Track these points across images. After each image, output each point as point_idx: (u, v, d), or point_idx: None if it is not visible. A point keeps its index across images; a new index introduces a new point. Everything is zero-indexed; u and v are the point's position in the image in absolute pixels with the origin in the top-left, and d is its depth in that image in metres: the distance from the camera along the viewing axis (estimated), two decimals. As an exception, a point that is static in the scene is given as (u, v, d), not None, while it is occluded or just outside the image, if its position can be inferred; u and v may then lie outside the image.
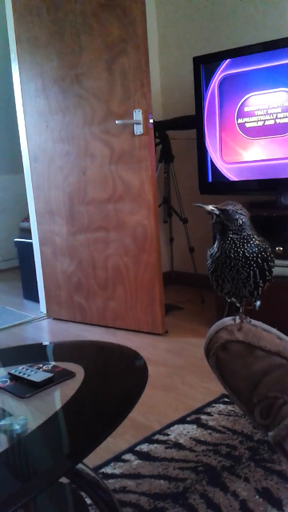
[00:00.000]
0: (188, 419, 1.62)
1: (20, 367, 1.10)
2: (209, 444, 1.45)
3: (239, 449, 1.42)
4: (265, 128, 2.27)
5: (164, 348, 2.30)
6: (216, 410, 1.66)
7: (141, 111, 2.26)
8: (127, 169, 2.38)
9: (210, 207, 0.92)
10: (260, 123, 2.28)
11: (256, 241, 0.92)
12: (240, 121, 2.34)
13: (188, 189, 2.90)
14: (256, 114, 2.29)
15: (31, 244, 3.00)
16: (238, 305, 0.97)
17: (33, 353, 1.35)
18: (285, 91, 2.19)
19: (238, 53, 2.30)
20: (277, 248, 2.17)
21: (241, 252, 0.90)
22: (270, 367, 0.89)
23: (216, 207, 0.92)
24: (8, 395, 1.01)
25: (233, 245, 0.91)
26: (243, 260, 0.90)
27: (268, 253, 0.92)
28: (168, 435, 1.53)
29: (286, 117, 2.20)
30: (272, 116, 2.24)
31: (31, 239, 3.00)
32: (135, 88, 2.27)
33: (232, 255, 0.91)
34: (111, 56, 2.31)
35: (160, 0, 3.09)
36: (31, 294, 3.22)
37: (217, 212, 0.91)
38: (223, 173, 2.44)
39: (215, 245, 0.94)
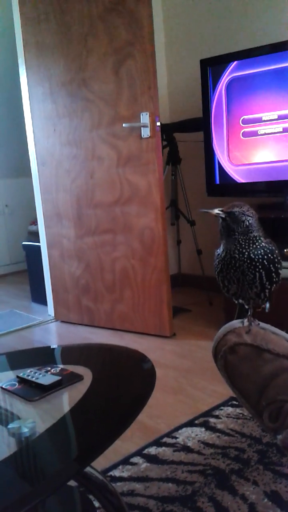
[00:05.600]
0: (196, 422, 1.61)
1: (28, 370, 1.10)
2: (218, 447, 1.45)
3: (248, 452, 1.41)
4: (272, 129, 2.27)
5: (171, 350, 2.30)
6: (225, 413, 1.65)
7: (148, 114, 2.27)
8: (134, 172, 2.38)
9: (216, 211, 0.92)
10: (268, 125, 2.28)
11: (262, 243, 0.91)
12: (247, 123, 2.34)
13: (196, 191, 2.89)
14: (263, 116, 2.28)
15: (39, 247, 3.01)
16: (246, 307, 0.97)
17: (41, 356, 1.35)
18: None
19: (246, 55, 2.30)
20: (285, 250, 2.16)
21: (246, 253, 0.90)
22: (278, 370, 0.89)
23: (222, 211, 0.92)
24: (17, 398, 1.01)
25: (238, 246, 0.90)
26: (248, 261, 0.90)
27: (275, 255, 0.92)
28: (176, 438, 1.52)
29: (294, 118, 2.20)
30: (280, 117, 2.24)
31: (39, 242, 3.01)
32: (142, 91, 2.27)
33: (237, 256, 0.90)
34: (118, 59, 2.32)
35: (167, 3, 3.10)
36: (39, 297, 3.23)
37: (223, 216, 0.91)
38: (230, 175, 2.44)
39: (221, 245, 0.94)
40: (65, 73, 2.52)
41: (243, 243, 0.90)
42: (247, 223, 0.90)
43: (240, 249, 0.90)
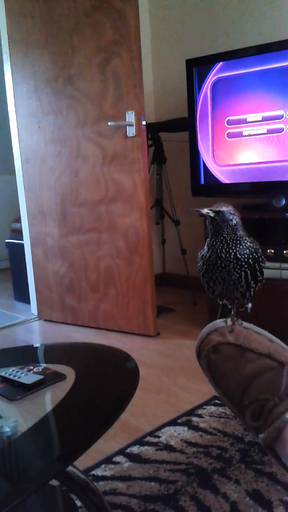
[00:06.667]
0: (179, 421, 1.62)
1: (11, 369, 1.09)
2: (200, 446, 1.45)
3: (230, 451, 1.42)
4: (257, 131, 2.28)
5: (155, 350, 2.30)
6: (207, 412, 1.66)
7: (133, 112, 2.27)
8: (119, 170, 2.38)
9: (206, 210, 0.92)
10: (253, 126, 2.29)
11: (248, 243, 0.92)
12: (232, 124, 2.35)
13: (181, 191, 2.90)
14: (248, 117, 2.30)
15: (22, 245, 2.99)
16: (229, 307, 0.98)
17: (24, 355, 1.34)
18: (278, 94, 2.20)
19: (231, 56, 2.31)
20: (268, 251, 2.18)
21: (233, 252, 0.90)
22: (261, 369, 0.89)
23: (211, 210, 0.92)
24: (-2, 397, 1.00)
25: (225, 245, 0.91)
26: (235, 261, 0.90)
27: (259, 254, 0.93)
28: (159, 437, 1.53)
29: (279, 120, 2.21)
30: (265, 119, 2.25)
31: (22, 240, 2.99)
32: (127, 89, 2.27)
33: (224, 256, 0.91)
34: (104, 58, 2.31)
35: (153, 2, 3.10)
36: (22, 295, 3.20)
37: (212, 215, 0.91)
38: (215, 175, 2.45)
39: (206, 246, 0.94)
40: (50, 70, 2.50)
41: (230, 242, 0.91)
42: (235, 222, 0.91)
43: (227, 249, 0.91)
